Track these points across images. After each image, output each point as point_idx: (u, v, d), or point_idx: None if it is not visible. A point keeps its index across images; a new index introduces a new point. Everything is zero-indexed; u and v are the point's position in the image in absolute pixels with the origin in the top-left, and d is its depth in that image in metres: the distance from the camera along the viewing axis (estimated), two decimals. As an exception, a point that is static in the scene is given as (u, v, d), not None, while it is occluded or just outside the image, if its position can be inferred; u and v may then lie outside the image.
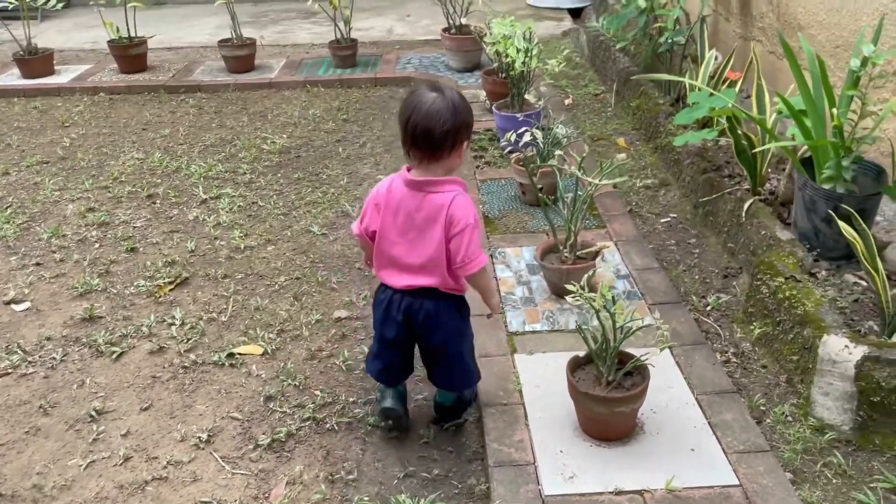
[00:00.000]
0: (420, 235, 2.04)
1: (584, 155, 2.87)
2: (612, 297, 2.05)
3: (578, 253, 2.80)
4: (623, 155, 4.17)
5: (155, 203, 3.81)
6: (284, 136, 4.62)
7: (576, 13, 7.28)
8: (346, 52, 5.64)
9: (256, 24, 7.30)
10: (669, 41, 4.15)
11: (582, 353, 2.20)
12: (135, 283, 3.10)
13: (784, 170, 3.30)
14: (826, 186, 2.60)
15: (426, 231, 2.02)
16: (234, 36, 5.64)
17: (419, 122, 1.94)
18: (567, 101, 4.97)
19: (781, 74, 3.84)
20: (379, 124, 4.78)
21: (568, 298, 2.15)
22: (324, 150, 4.41)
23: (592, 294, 2.07)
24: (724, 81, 3.83)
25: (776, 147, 2.80)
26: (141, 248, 3.39)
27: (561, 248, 2.81)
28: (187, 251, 3.34)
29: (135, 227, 3.58)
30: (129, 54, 5.65)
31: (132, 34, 5.69)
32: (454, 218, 1.99)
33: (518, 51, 3.91)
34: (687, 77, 4.03)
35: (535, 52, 4.01)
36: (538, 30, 6.83)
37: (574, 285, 2.08)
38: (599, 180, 2.66)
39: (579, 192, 2.80)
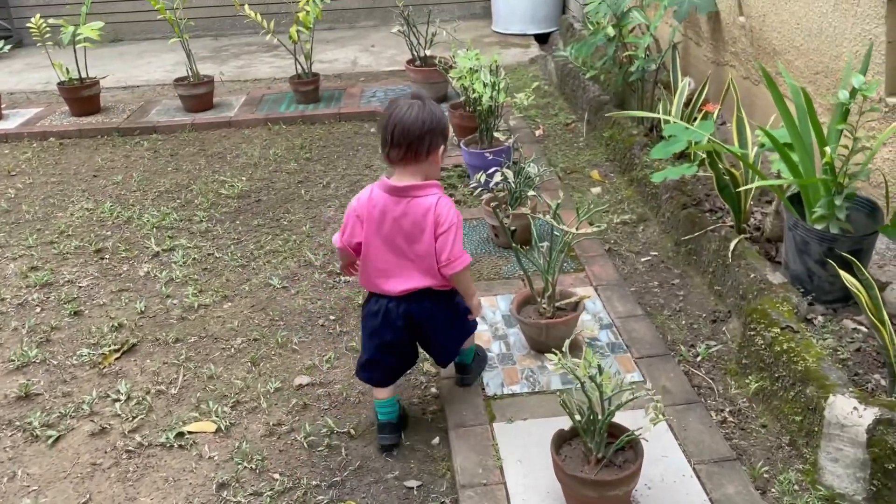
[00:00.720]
0: (409, 239, 2.08)
1: (559, 201, 2.67)
2: (599, 366, 1.85)
3: (558, 304, 2.60)
4: (598, 189, 4.02)
5: (103, 258, 3.56)
6: (244, 178, 4.39)
7: (542, 39, 7.17)
8: (308, 87, 5.44)
9: (217, 58, 7.09)
10: (640, 69, 4.01)
11: (567, 426, 1.98)
12: (77, 353, 2.84)
13: (769, 203, 3.14)
14: (818, 227, 2.43)
15: (415, 234, 2.08)
16: (191, 74, 5.41)
17: (397, 124, 2.03)
18: (538, 132, 4.81)
19: (758, 101, 3.70)
20: (343, 163, 4.57)
21: (549, 365, 1.95)
22: (285, 193, 4.19)
23: (575, 361, 1.87)
24: (699, 110, 3.69)
25: (760, 185, 2.63)
26: (86, 311, 3.13)
27: (538, 298, 2.61)
28: (136, 313, 3.09)
29: (80, 286, 3.32)
30: (81, 96, 5.40)
31: (83, 75, 5.44)
32: (440, 217, 2.05)
33: (485, 85, 3.74)
34: (661, 106, 3.89)
35: (502, 85, 3.84)
36: (505, 57, 6.71)
37: (555, 353, 1.87)
38: (577, 229, 2.46)
39: (556, 237, 2.60)
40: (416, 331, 2.22)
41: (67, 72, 5.38)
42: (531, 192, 3.19)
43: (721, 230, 2.99)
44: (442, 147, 2.11)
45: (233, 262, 3.45)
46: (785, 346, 2.23)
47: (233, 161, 4.67)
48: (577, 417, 1.91)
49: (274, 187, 4.28)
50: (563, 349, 1.89)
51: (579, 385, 1.85)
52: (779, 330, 2.29)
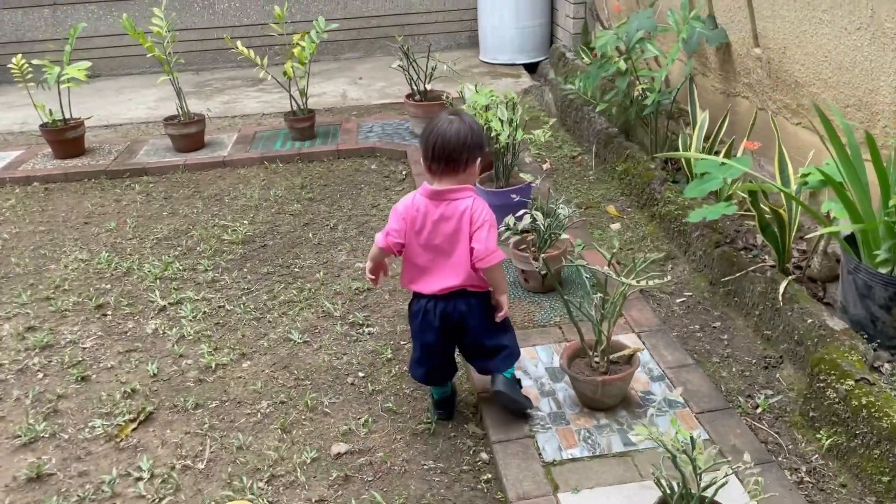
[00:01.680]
0: (447, 240, 2.25)
1: (614, 251, 2.54)
2: (691, 438, 1.71)
3: (611, 357, 2.46)
4: (617, 225, 3.91)
5: (106, 315, 3.34)
6: (245, 222, 4.20)
7: (531, 68, 7.11)
8: (304, 123, 5.28)
9: (201, 94, 6.90)
10: (655, 103, 3.92)
11: (645, 496, 1.84)
12: (89, 424, 2.63)
13: (813, 241, 3.06)
14: (883, 270, 2.33)
15: (452, 234, 2.24)
16: (181, 112, 5.22)
17: (438, 139, 2.21)
18: (545, 166, 4.70)
19: (781, 134, 3.63)
20: (348, 202, 4.41)
21: (633, 437, 1.80)
22: (292, 237, 4.01)
23: (662, 434, 1.72)
24: (720, 142, 3.61)
25: (826, 231, 2.52)
26: (93, 376, 2.92)
27: (590, 352, 2.47)
28: (149, 376, 2.89)
29: (84, 347, 3.10)
30: (65, 138, 5.17)
31: (67, 116, 5.22)
32: (475, 215, 2.21)
33: (502, 122, 3.62)
34: (680, 140, 3.81)
35: (518, 121, 3.73)
36: (497, 88, 6.63)
37: (643, 426, 1.73)
38: (637, 281, 2.33)
39: (593, 280, 2.47)
40: (452, 332, 2.35)
41: (51, 113, 5.15)
42: (564, 235, 3.07)
43: (764, 271, 2.88)
44: (479, 159, 2.28)
45: (246, 315, 3.26)
46: (864, 401, 2.11)
47: (231, 203, 4.48)
48: (668, 493, 1.76)
49: (279, 231, 4.10)
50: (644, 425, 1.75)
51: (648, 447, 1.71)
52: (853, 382, 2.17)
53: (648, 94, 3.99)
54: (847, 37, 3.05)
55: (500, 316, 2.35)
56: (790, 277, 2.75)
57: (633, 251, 3.61)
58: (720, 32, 4.07)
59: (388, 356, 2.92)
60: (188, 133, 5.19)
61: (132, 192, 4.73)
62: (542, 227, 3.08)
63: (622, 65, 4.07)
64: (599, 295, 2.40)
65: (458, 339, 2.39)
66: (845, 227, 2.41)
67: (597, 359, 2.44)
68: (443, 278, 2.27)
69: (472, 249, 2.22)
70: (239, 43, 5.12)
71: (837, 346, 2.34)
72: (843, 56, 3.10)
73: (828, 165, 2.65)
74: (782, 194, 2.69)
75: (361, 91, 6.79)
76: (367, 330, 3.11)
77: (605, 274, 2.30)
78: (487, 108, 3.73)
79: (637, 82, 4.16)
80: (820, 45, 3.25)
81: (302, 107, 5.32)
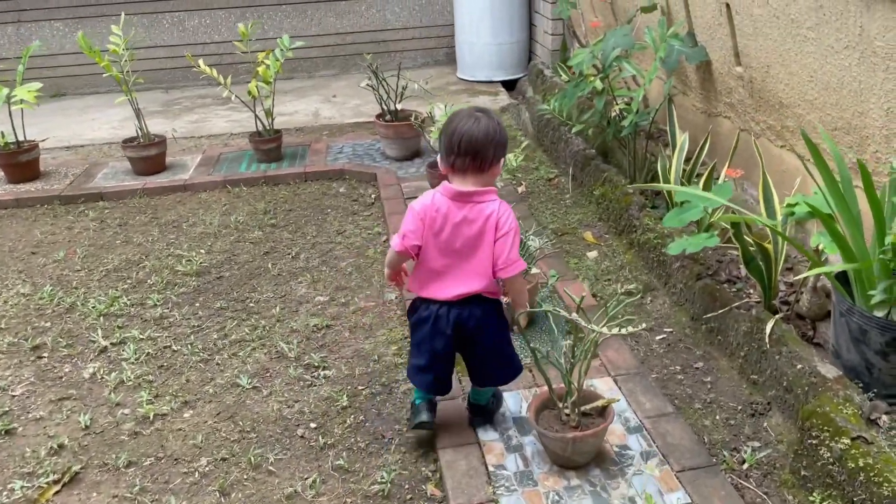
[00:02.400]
0: (467, 243, 2.15)
1: (584, 295, 2.33)
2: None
3: (583, 409, 2.23)
4: (594, 253, 3.70)
5: (42, 357, 3.08)
6: (202, 251, 3.96)
7: (510, 86, 6.93)
8: (269, 144, 5.06)
9: (168, 113, 6.66)
10: (633, 124, 3.72)
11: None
12: (8, 487, 2.37)
13: (790, 270, 2.85)
14: (879, 313, 2.12)
15: (475, 238, 2.14)
16: (140, 134, 4.97)
17: (465, 134, 2.10)
18: (520, 189, 4.49)
19: (765, 158, 3.43)
20: (313, 229, 4.18)
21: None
22: (250, 267, 3.77)
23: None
24: (702, 164, 3.41)
25: (816, 273, 2.31)
26: (20, 429, 2.66)
27: (559, 403, 2.24)
28: (80, 428, 2.63)
29: (13, 395, 2.84)
30: (18, 162, 4.91)
31: (20, 138, 4.97)
32: (500, 221, 2.12)
33: (471, 146, 3.40)
34: (659, 163, 3.61)
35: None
36: (474, 105, 6.43)
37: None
38: (609, 330, 2.11)
39: (563, 320, 2.25)
40: (463, 340, 2.25)
41: (2, 135, 4.90)
42: (533, 270, 2.85)
43: (749, 308, 2.67)
44: (503, 159, 2.19)
45: (193, 357, 3.02)
46: (861, 463, 1.90)
47: (189, 231, 4.23)
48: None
49: (237, 260, 3.86)
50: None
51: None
52: (849, 441, 1.96)
53: (626, 114, 3.79)
54: (834, 56, 2.86)
55: (516, 328, 2.31)
56: (777, 316, 2.54)
57: (611, 282, 3.40)
58: (700, 50, 3.89)
59: (344, 404, 2.68)
60: (148, 155, 4.95)
61: (86, 219, 4.48)
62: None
63: (598, 84, 3.87)
64: (569, 342, 2.17)
65: (468, 348, 2.28)
66: (836, 267, 2.21)
67: (567, 411, 2.22)
68: (460, 283, 2.17)
69: (495, 256, 2.13)
70: (201, 62, 4.89)
71: (830, 396, 2.12)
72: (829, 76, 2.91)
73: (816, 195, 2.45)
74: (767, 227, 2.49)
75: (335, 109, 6.57)
76: (322, 373, 2.87)
77: (573, 320, 2.07)
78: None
79: (614, 102, 3.96)
80: (805, 64, 3.06)
81: (268, 127, 5.09)
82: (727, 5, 3.59)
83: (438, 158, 2.23)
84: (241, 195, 4.71)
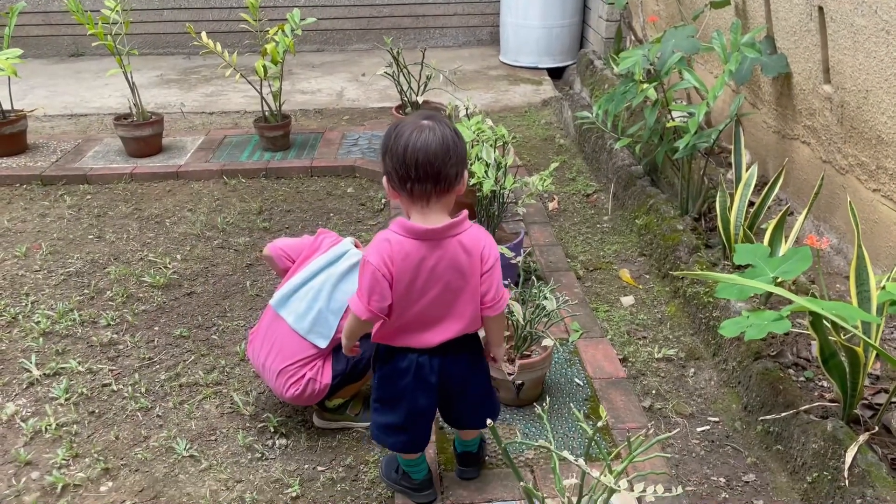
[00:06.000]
0: (451, 286, 1.79)
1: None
2: None
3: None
4: (630, 299, 3.08)
5: (-40, 386, 2.62)
6: (178, 257, 3.46)
7: (557, 73, 6.26)
8: (276, 132, 4.52)
9: (184, 83, 6.17)
10: (690, 146, 3.07)
11: None
12: None
13: (887, 379, 2.21)
14: None
15: (458, 278, 1.78)
16: (135, 111, 4.48)
17: (419, 153, 1.67)
18: (551, 205, 3.88)
19: (853, 200, 2.76)
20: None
21: None
22: (227, 283, 3.25)
23: None
24: (772, 201, 2.76)
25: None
26: None
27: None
28: (-27, 496, 2.16)
29: (-90, 438, 2.39)
30: (2, 134, 4.47)
31: (5, 108, 4.52)
32: (485, 253, 1.79)
33: (488, 165, 2.81)
34: (718, 198, 2.96)
35: (510, 162, 2.91)
36: (514, 96, 5.78)
37: None
38: (629, 489, 1.51)
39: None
40: (447, 390, 1.91)
41: (-15, 104, 4.46)
42: (546, 342, 2.26)
43: (824, 416, 2.05)
44: (465, 172, 1.79)
45: (132, 403, 2.52)
46: None
47: (171, 229, 3.73)
48: None
49: (214, 272, 3.34)
50: None
51: None
52: None
53: (682, 132, 3.14)
54: (964, 90, 2.18)
55: (496, 365, 2.05)
56: (861, 439, 1.91)
57: (646, 342, 2.79)
58: (780, 60, 3.21)
59: (295, 492, 2.15)
60: (141, 136, 4.45)
61: (62, 206, 4.01)
62: (520, 319, 2.28)
63: (652, 93, 3.22)
64: (574, 481, 1.58)
65: (453, 397, 1.94)
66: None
67: (566, 565, 1.64)
68: (445, 329, 1.83)
69: (482, 293, 1.81)
70: (204, 34, 4.35)
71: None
72: (955, 115, 2.23)
73: (931, 286, 1.80)
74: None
75: (361, 90, 6.00)
76: (278, 442, 2.34)
77: (579, 468, 1.48)
78: (473, 143, 2.92)
79: (669, 116, 3.31)
80: (921, 95, 2.38)
81: (275, 112, 4.55)
82: (820, 9, 2.89)
83: (385, 183, 1.76)
84: (238, 188, 4.19)
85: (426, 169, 1.68)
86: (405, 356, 1.87)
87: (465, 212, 1.80)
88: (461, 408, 1.99)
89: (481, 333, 1.99)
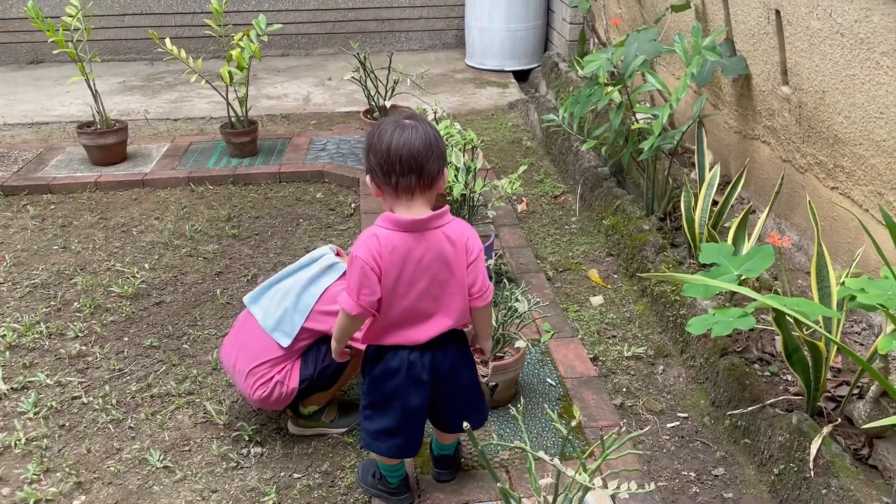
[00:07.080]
0: (438, 278, 1.82)
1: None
2: None
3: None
4: (599, 298, 3.13)
5: (-76, 403, 2.57)
6: (146, 266, 3.42)
7: (522, 76, 6.31)
8: (242, 138, 4.49)
9: (147, 89, 6.10)
10: (655, 148, 3.13)
11: None
12: None
13: (848, 371, 2.28)
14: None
15: (445, 269, 1.82)
16: (98, 119, 4.42)
17: (403, 149, 1.74)
18: (520, 207, 3.92)
19: (812, 199, 2.84)
20: (278, 243, 3.63)
21: None
22: (196, 291, 3.23)
23: None
24: (735, 199, 2.83)
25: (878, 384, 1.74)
26: None
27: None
28: (-59, 515, 2.12)
29: None
30: (-40, 143, 4.39)
31: (-36, 117, 4.43)
32: (470, 244, 1.83)
33: (457, 169, 2.83)
34: (683, 198, 3.02)
35: (479, 166, 2.94)
36: (480, 99, 5.82)
37: None
38: (602, 486, 1.54)
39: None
40: (437, 387, 1.92)
41: (-57, 113, 4.37)
42: (519, 343, 2.29)
43: (789, 409, 2.11)
44: (446, 169, 1.87)
45: (104, 415, 2.49)
46: None
47: (138, 238, 3.69)
48: None
49: (183, 281, 3.32)
50: None
51: None
52: None
53: (647, 134, 3.20)
54: (915, 91, 2.26)
55: (481, 358, 2.10)
56: (825, 431, 1.97)
57: (616, 340, 2.84)
58: (739, 62, 3.28)
59: (272, 500, 2.15)
60: (105, 144, 4.39)
61: (25, 216, 3.94)
62: (493, 322, 2.31)
63: (616, 96, 3.27)
64: (549, 480, 1.61)
65: (440, 395, 1.94)
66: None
67: (542, 563, 1.67)
68: (434, 324, 1.86)
69: (469, 284, 1.84)
70: (167, 41, 4.31)
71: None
72: (907, 115, 2.32)
73: (887, 282, 1.87)
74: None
75: (328, 95, 5.99)
76: (253, 451, 2.34)
77: (554, 467, 1.51)
78: (441, 147, 2.94)
79: (633, 118, 3.37)
80: (874, 96, 2.46)
81: (241, 117, 4.52)
82: (777, 12, 2.97)
83: (368, 181, 1.81)
84: (205, 196, 4.16)
85: (410, 164, 1.74)
86: (396, 354, 1.89)
87: (445, 206, 1.84)
88: (451, 407, 1.98)
89: (467, 330, 2.02)
